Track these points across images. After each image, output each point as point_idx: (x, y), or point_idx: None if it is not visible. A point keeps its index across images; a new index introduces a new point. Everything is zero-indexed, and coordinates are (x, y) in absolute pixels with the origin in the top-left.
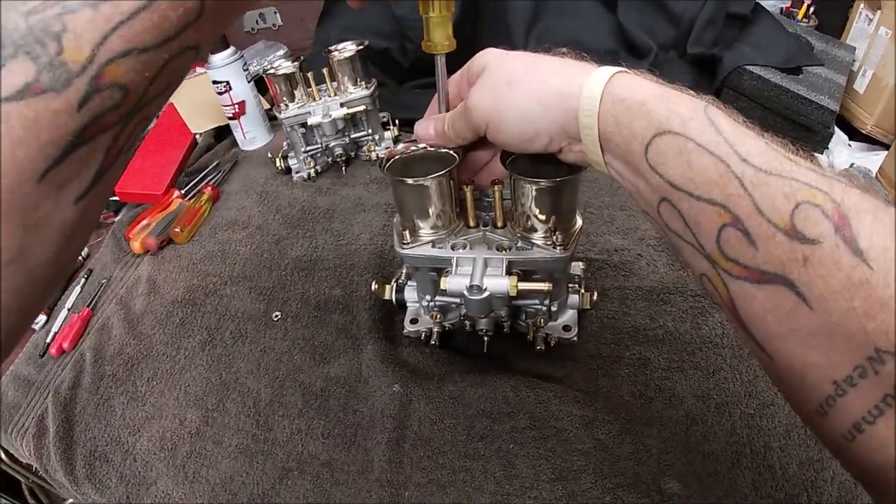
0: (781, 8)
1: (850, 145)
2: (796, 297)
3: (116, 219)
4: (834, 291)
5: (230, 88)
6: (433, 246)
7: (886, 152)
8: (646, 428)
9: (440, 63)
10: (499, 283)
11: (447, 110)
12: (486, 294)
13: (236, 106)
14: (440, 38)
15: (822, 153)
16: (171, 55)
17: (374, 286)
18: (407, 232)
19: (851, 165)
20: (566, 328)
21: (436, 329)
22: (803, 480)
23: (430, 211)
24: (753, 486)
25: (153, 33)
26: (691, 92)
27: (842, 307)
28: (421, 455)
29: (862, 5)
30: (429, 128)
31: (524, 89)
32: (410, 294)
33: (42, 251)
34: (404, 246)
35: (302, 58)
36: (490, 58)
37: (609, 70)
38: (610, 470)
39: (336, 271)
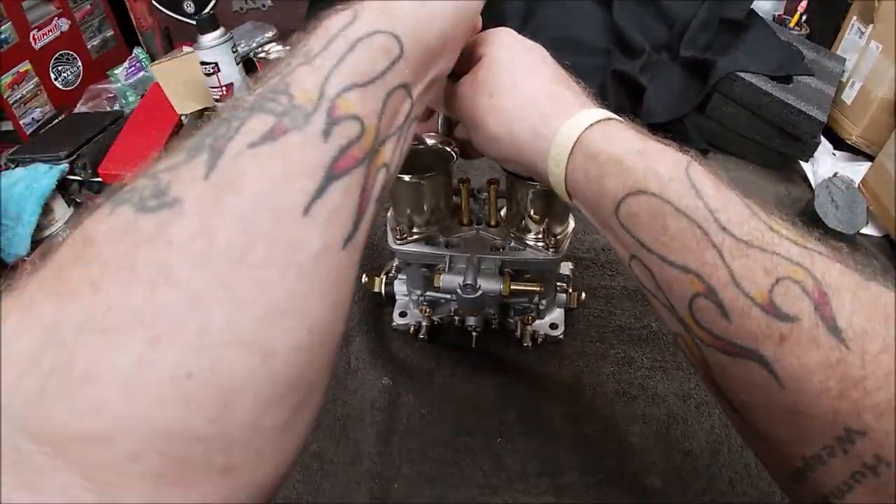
0: (774, 15)
1: (834, 154)
2: (768, 375)
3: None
4: (809, 371)
5: (218, 70)
6: (427, 243)
7: (870, 163)
8: (629, 425)
9: None
10: (493, 282)
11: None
12: (479, 293)
13: (224, 88)
14: None
15: (807, 161)
16: (386, 92)
17: (363, 278)
18: (401, 228)
19: (835, 174)
20: (553, 326)
21: (425, 323)
22: None
23: (426, 208)
24: (730, 483)
25: (363, 71)
26: (675, 146)
27: (815, 387)
28: (410, 448)
29: (854, 18)
30: None
31: (500, 114)
32: (400, 287)
33: (318, 303)
34: (398, 242)
35: None
36: (492, 49)
37: (590, 116)
38: (594, 466)
39: None
